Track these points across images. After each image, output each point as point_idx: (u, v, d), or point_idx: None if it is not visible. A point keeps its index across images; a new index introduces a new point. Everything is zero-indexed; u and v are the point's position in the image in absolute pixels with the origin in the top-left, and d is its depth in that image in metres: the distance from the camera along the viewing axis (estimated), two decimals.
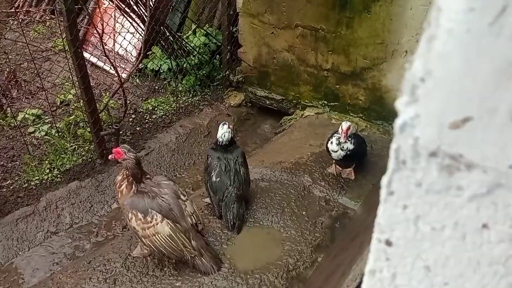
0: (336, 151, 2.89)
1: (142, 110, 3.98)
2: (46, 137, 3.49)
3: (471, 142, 0.38)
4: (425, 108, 0.37)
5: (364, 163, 3.19)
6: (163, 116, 3.96)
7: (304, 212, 2.82)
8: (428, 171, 0.39)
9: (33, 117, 3.65)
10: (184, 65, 4.22)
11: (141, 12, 3.99)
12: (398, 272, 0.46)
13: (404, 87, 0.38)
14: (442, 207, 0.41)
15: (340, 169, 3.13)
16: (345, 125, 2.84)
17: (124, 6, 3.96)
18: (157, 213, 2.24)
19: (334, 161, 3.07)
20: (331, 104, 3.90)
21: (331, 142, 2.90)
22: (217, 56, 4.37)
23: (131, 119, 3.85)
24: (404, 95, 0.37)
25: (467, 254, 0.43)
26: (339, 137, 2.85)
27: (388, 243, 0.44)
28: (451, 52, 0.36)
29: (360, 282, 1.42)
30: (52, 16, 4.76)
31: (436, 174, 0.40)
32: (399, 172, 0.40)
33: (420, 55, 0.36)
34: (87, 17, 4.35)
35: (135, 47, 4.22)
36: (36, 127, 3.55)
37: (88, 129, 3.33)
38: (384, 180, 0.42)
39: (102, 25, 3.17)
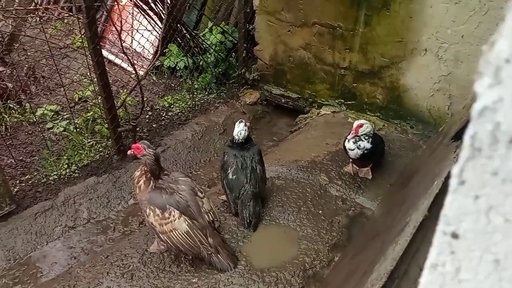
0: (353, 150, 2.86)
1: (158, 107, 4.00)
2: (64, 133, 3.52)
3: None
4: (509, 91, 0.35)
5: (382, 162, 3.16)
6: (179, 113, 3.96)
7: (320, 211, 2.80)
8: (507, 159, 0.37)
9: (52, 113, 3.69)
10: (200, 63, 4.23)
11: (159, 9, 4.01)
12: (463, 266, 0.44)
13: (486, 69, 0.35)
14: None
15: (357, 168, 3.10)
16: (356, 122, 2.82)
17: (142, 3, 3.98)
18: (174, 210, 2.24)
19: (351, 160, 3.04)
20: (348, 102, 3.86)
21: (348, 141, 2.88)
22: (233, 54, 4.36)
23: (147, 116, 3.87)
24: (486, 77, 0.35)
25: None
26: (356, 136, 2.83)
27: (455, 235, 0.42)
28: None
29: (386, 281, 1.39)
30: (70, 13, 4.80)
31: None
32: (473, 160, 0.38)
33: (504, 35, 0.34)
34: (105, 14, 4.38)
35: (152, 45, 4.23)
36: (55, 123, 3.59)
37: (106, 126, 3.35)
38: (455, 169, 0.40)
39: (121, 22, 3.18)
